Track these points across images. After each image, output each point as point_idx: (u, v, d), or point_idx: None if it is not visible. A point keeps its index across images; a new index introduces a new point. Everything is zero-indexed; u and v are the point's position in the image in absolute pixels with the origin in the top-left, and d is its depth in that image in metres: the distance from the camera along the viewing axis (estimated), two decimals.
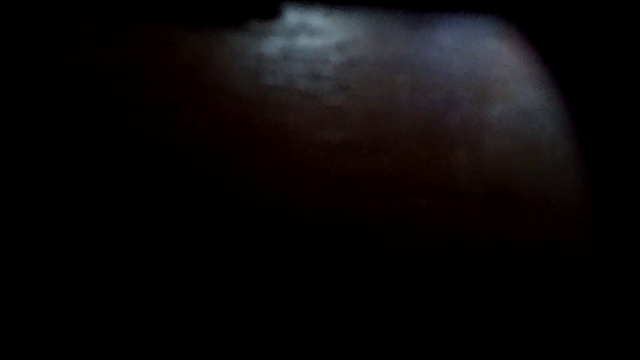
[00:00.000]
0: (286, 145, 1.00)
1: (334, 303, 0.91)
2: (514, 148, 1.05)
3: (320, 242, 0.93)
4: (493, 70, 1.14)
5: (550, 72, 1.15)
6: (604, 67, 1.17)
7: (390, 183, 0.98)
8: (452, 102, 1.08)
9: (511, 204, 0.99)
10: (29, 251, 0.91)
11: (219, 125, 1.01)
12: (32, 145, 0.97)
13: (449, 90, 1.09)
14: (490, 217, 0.97)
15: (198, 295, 0.91)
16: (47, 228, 0.92)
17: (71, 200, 0.94)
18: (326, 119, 1.03)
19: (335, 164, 0.99)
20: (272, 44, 1.11)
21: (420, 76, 1.11)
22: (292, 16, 1.17)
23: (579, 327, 0.92)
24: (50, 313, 0.88)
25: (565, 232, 0.99)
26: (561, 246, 0.98)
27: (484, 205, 0.98)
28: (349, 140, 1.01)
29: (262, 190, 0.95)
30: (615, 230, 1.04)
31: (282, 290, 0.91)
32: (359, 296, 0.92)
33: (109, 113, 1.01)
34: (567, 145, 1.07)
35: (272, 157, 0.99)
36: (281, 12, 1.16)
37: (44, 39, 1.08)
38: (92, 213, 0.93)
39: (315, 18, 1.17)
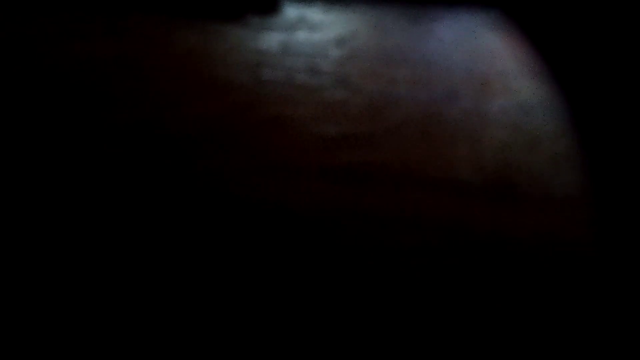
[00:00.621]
0: (285, 138, 1.00)
1: (332, 295, 0.91)
2: (513, 141, 1.05)
3: (317, 235, 0.93)
4: (493, 64, 1.14)
5: (550, 67, 1.15)
6: (603, 62, 1.17)
7: (389, 176, 0.98)
8: (452, 96, 1.08)
9: (510, 196, 0.99)
10: (27, 242, 0.91)
11: (217, 118, 1.01)
12: (32, 144, 0.97)
13: (449, 84, 1.09)
14: (490, 210, 0.97)
15: (197, 291, 0.91)
16: (47, 223, 0.92)
17: (72, 193, 0.94)
18: (325, 112, 1.03)
19: (333, 156, 0.99)
20: (272, 39, 1.11)
21: (420, 70, 1.11)
22: (292, 11, 1.17)
23: (577, 318, 0.92)
24: (48, 310, 0.88)
25: (564, 224, 0.99)
26: (560, 238, 0.97)
27: (484, 198, 0.98)
28: (348, 134, 1.01)
29: (261, 185, 0.95)
30: (614, 223, 1.04)
31: (279, 283, 0.91)
32: (358, 291, 0.92)
33: (110, 106, 1.01)
34: (566, 138, 1.07)
35: (270, 150, 0.99)
36: (281, 7, 1.16)
37: (44, 37, 1.09)
38: (93, 206, 0.93)
39: (315, 13, 1.17)
